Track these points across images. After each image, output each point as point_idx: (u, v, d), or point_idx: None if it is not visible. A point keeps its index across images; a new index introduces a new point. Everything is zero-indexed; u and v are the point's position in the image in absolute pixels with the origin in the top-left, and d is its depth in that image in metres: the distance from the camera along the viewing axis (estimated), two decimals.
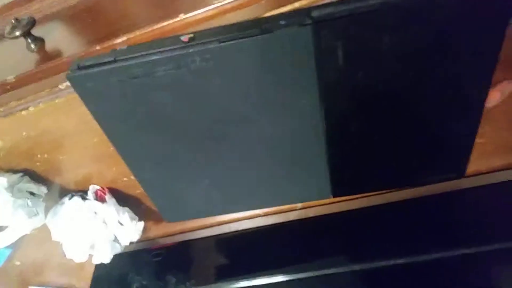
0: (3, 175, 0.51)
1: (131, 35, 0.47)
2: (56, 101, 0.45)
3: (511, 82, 0.44)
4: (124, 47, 0.41)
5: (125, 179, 0.56)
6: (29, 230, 0.53)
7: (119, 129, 0.43)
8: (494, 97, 0.43)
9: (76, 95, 0.45)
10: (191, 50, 0.36)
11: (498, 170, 0.54)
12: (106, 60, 0.38)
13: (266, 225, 0.60)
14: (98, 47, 0.49)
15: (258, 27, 0.36)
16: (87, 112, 0.46)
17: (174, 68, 0.37)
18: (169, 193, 0.51)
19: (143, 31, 0.47)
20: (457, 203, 0.55)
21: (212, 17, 0.44)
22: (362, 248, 0.56)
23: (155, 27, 0.47)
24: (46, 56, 0.56)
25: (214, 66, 0.37)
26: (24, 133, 0.49)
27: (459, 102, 0.41)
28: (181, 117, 0.42)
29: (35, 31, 0.55)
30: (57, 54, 0.56)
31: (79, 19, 0.63)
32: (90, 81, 0.38)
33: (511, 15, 0.36)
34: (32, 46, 0.58)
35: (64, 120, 0.48)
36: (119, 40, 0.48)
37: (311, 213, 0.58)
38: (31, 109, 0.46)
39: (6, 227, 0.53)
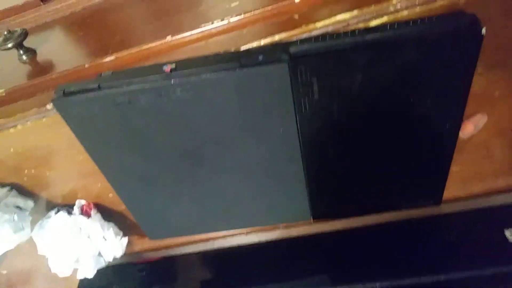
0: None
1: (119, 55, 0.49)
2: (43, 120, 0.46)
3: (484, 115, 0.45)
4: (109, 72, 0.42)
5: (110, 195, 0.57)
6: (14, 245, 0.54)
7: (102, 150, 0.44)
8: (468, 130, 0.45)
9: None
10: (172, 82, 0.37)
11: (475, 197, 0.55)
12: (91, 87, 0.39)
13: (250, 243, 0.61)
14: (86, 65, 0.50)
15: (237, 60, 0.37)
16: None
17: (156, 97, 0.38)
18: (151, 212, 0.52)
19: (131, 51, 0.48)
20: (435, 227, 0.56)
21: (197, 40, 0.46)
22: (343, 269, 0.57)
23: (143, 47, 0.48)
24: (37, 69, 0.57)
25: (194, 96, 0.38)
26: (11, 149, 0.50)
27: (432, 134, 0.42)
28: (162, 140, 0.43)
29: (28, 41, 0.56)
30: (47, 67, 0.57)
31: (70, 31, 0.64)
32: (75, 107, 0.40)
33: (478, 51, 0.37)
34: (24, 57, 0.59)
35: (51, 138, 0.49)
36: (107, 59, 0.49)
37: (294, 232, 0.59)
38: (19, 127, 0.47)
39: None
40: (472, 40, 0.36)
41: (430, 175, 0.46)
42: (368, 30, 0.37)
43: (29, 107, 0.47)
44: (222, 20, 0.44)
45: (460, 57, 0.36)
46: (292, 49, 0.37)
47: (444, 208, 0.55)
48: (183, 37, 0.46)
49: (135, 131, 0.41)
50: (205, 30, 0.45)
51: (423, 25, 0.36)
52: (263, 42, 0.40)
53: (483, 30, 0.34)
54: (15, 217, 0.52)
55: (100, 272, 0.58)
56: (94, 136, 0.42)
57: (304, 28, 0.39)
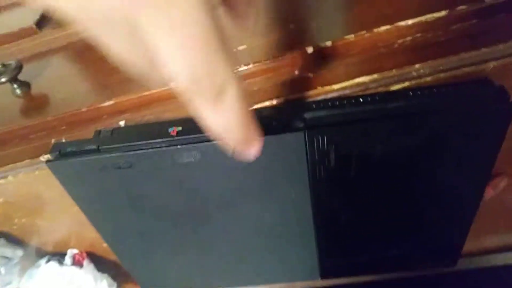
0: None
1: (118, 100, 0.46)
2: (36, 172, 0.43)
3: (504, 178, 0.43)
4: (109, 130, 0.39)
5: (104, 244, 0.54)
6: None
7: (98, 209, 0.41)
8: (487, 193, 0.43)
9: None
10: (178, 147, 0.34)
11: (489, 253, 0.53)
12: (89, 147, 0.36)
13: None
14: (84, 109, 0.47)
15: None
16: None
17: (160, 161, 0.35)
18: (146, 265, 0.49)
19: (130, 96, 0.46)
20: (449, 284, 0.53)
21: None
22: None
23: (145, 93, 0.45)
24: (32, 104, 0.54)
25: (201, 161, 0.36)
26: (1, 199, 0.47)
27: (454, 202, 0.40)
28: (164, 202, 0.40)
29: (22, 71, 0.53)
30: (42, 104, 0.54)
31: (67, 64, 0.62)
32: (70, 168, 0.37)
33: (508, 122, 0.35)
34: (18, 91, 0.56)
35: (44, 190, 0.46)
36: (106, 103, 0.46)
37: (298, 286, 0.57)
38: (10, 178, 0.44)
39: None
40: (501, 111, 0.33)
41: (448, 239, 0.44)
42: (389, 97, 0.35)
43: (22, 157, 0.44)
44: None
45: (487, 128, 0.34)
46: (308, 116, 0.34)
47: (459, 265, 0.52)
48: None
49: (135, 193, 0.39)
50: None
51: (448, 94, 0.34)
52: (274, 102, 0.38)
53: None
54: (2, 270, 0.49)
55: None
56: (91, 197, 0.40)
57: (319, 89, 0.37)
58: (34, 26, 0.65)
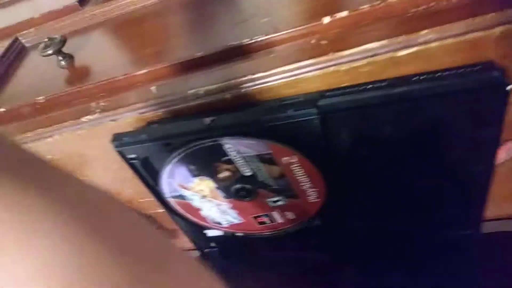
0: None
1: (152, 68, 0.50)
2: (79, 132, 0.49)
3: None
4: (156, 121, 0.46)
5: (140, 200, 0.59)
6: None
7: None
8: (500, 157, 0.44)
9: (96, 128, 0.49)
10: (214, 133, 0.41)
11: (501, 219, 0.54)
12: (141, 138, 0.44)
13: None
14: (120, 77, 0.52)
15: (267, 115, 0.40)
16: (106, 143, 0.50)
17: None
18: None
19: (164, 64, 0.49)
20: (472, 246, 0.55)
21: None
22: None
23: (176, 62, 0.49)
24: (75, 74, 0.60)
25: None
26: (49, 156, 0.53)
27: (465, 175, 0.43)
28: None
29: (66, 46, 0.58)
30: (84, 74, 0.59)
31: (106, 37, 0.66)
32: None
33: (504, 107, 0.36)
34: (62, 63, 0.62)
35: (85, 148, 0.51)
36: (142, 71, 0.51)
37: None
38: (56, 137, 0.50)
39: None
40: (498, 96, 0.35)
41: (468, 205, 0.47)
42: (396, 82, 0.37)
43: (65, 118, 0.49)
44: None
45: (486, 111, 0.36)
46: (321, 103, 0.38)
47: (483, 229, 0.54)
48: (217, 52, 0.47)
49: None
50: (234, 48, 0.46)
51: (450, 79, 0.36)
52: (291, 66, 0.41)
53: (509, 87, 0.34)
54: None
55: None
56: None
57: (331, 56, 0.39)
58: (77, 4, 0.71)
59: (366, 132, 0.41)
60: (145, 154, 0.45)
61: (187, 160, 0.45)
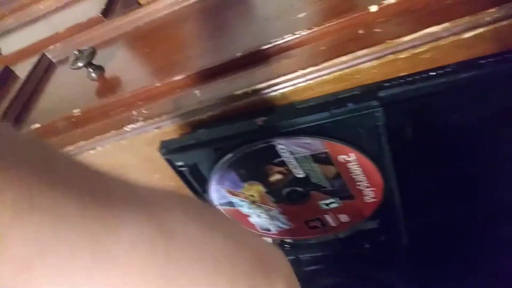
0: None
1: (189, 73, 0.49)
2: (122, 142, 0.47)
3: None
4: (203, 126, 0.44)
5: None
6: None
7: None
8: None
9: (140, 137, 0.47)
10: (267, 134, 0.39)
11: None
12: (190, 143, 0.42)
13: None
14: (158, 84, 0.50)
15: (327, 110, 0.37)
16: (150, 152, 0.48)
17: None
18: None
19: (205, 67, 0.48)
20: None
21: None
22: None
23: (214, 65, 0.47)
24: (107, 86, 0.59)
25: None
26: None
27: None
28: None
29: (95, 58, 0.57)
30: (117, 84, 0.58)
31: (136, 47, 0.65)
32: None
33: None
34: (93, 75, 0.61)
35: (128, 158, 0.50)
36: (177, 77, 0.49)
37: None
38: (98, 148, 0.48)
39: None
40: None
41: None
42: (461, 67, 0.35)
43: (108, 129, 0.48)
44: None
45: None
46: (382, 94, 0.36)
47: None
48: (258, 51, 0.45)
49: None
50: (276, 45, 0.44)
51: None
52: (344, 58, 0.39)
53: None
54: None
55: None
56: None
57: (388, 43, 0.37)
58: (100, 16, 0.70)
59: (429, 122, 0.38)
60: (193, 161, 0.44)
61: (237, 165, 0.43)
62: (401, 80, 0.37)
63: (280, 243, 0.55)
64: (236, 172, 0.44)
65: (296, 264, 0.56)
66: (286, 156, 0.42)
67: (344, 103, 0.37)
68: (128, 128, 0.47)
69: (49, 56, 0.74)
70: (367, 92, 0.37)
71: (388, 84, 0.37)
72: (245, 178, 0.45)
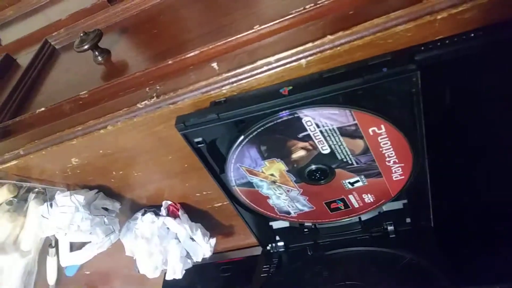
0: (79, 192, 0.51)
1: (203, 49, 0.46)
2: (135, 120, 0.45)
3: None
4: (222, 100, 0.41)
5: (197, 194, 0.55)
6: (106, 247, 0.53)
7: None
8: None
9: (153, 114, 0.44)
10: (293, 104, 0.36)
11: None
12: (209, 118, 0.39)
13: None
14: (170, 61, 0.48)
15: (360, 76, 0.34)
16: (164, 130, 0.46)
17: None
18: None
19: (216, 43, 0.45)
20: None
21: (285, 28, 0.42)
22: None
23: (230, 39, 0.45)
24: (114, 68, 0.56)
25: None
26: (101, 151, 0.49)
27: None
28: None
29: (100, 42, 0.55)
30: (124, 67, 0.55)
31: (142, 30, 0.63)
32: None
33: None
34: (99, 58, 0.58)
35: (140, 138, 0.47)
36: (191, 54, 0.46)
37: None
38: (109, 127, 0.46)
39: (84, 243, 0.53)
40: None
41: None
42: (502, 28, 0.33)
43: (120, 107, 0.45)
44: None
45: None
46: (419, 57, 0.34)
47: None
48: (271, 25, 0.43)
49: None
50: (294, 16, 0.42)
51: None
52: (374, 22, 0.36)
53: None
54: (105, 220, 0.52)
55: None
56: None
57: (425, 3, 0.35)
58: (104, 0, 0.67)
59: (468, 90, 0.36)
60: (212, 137, 0.41)
61: (259, 140, 0.41)
62: (438, 43, 0.35)
63: (298, 227, 0.53)
64: (257, 148, 0.42)
65: (315, 249, 0.54)
66: (312, 129, 0.39)
67: (379, 68, 0.34)
68: (141, 105, 0.44)
69: (52, 42, 0.71)
70: (402, 56, 0.35)
71: (423, 48, 0.35)
72: (266, 156, 0.43)
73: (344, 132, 0.39)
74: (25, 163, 0.51)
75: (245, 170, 0.45)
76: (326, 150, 0.42)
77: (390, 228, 0.51)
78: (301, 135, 0.40)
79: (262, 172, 0.45)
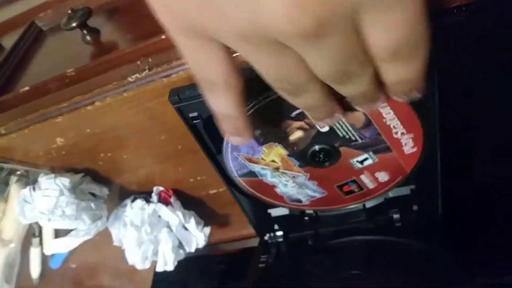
0: (65, 175, 0.48)
1: None
2: (125, 94, 0.41)
3: None
4: None
5: (191, 179, 0.52)
6: (92, 234, 0.50)
7: None
8: None
9: (145, 88, 0.41)
10: None
11: None
12: None
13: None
14: (163, 36, 0.44)
15: None
16: (156, 107, 0.43)
17: None
18: None
19: None
20: None
21: None
22: None
23: None
24: (103, 48, 0.53)
25: None
26: (88, 130, 0.46)
27: None
28: None
29: (90, 21, 0.52)
30: (114, 46, 0.52)
31: (134, 9, 0.60)
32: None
33: None
34: (88, 37, 0.55)
35: (131, 115, 0.44)
36: None
37: None
38: (97, 103, 0.42)
39: (69, 230, 0.50)
40: None
41: None
42: None
43: (108, 81, 0.42)
44: None
45: None
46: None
47: None
48: None
49: None
50: None
51: None
52: None
53: None
54: (92, 205, 0.48)
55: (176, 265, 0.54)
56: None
57: None
58: None
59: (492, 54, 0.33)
60: (209, 112, 0.38)
61: (253, 123, 0.38)
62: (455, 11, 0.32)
63: (299, 214, 0.50)
64: None
65: (316, 239, 0.51)
66: None
67: None
68: (131, 78, 0.41)
69: (39, 24, 0.68)
70: None
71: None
72: (262, 140, 0.40)
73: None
74: (6, 143, 0.47)
75: (244, 158, 0.41)
76: (325, 128, 0.39)
77: (396, 216, 0.48)
78: (294, 113, 0.37)
79: (262, 159, 0.41)
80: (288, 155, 0.41)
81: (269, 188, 0.45)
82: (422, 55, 0.22)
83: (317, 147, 0.41)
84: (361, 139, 0.39)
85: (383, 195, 0.46)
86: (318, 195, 0.45)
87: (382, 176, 0.43)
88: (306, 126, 0.39)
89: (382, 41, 0.20)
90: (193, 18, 0.21)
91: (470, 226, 0.48)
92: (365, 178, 0.43)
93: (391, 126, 0.38)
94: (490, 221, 0.46)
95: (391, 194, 0.46)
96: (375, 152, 0.40)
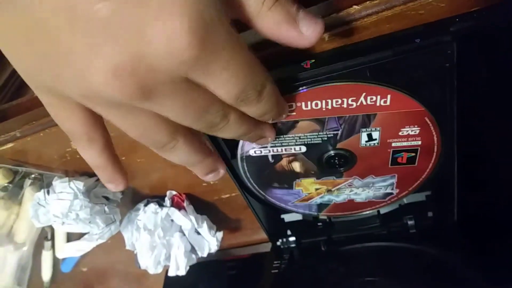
0: (79, 179, 0.48)
1: None
2: None
3: None
4: None
5: (204, 184, 0.52)
6: (106, 238, 0.50)
7: None
8: None
9: None
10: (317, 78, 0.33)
11: None
12: None
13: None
14: None
15: (389, 48, 0.31)
16: None
17: None
18: None
19: None
20: None
21: None
22: None
23: None
24: None
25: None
26: None
27: None
28: None
29: None
30: None
31: None
32: None
33: None
34: None
35: None
36: None
37: None
38: None
39: (81, 234, 0.50)
40: None
41: None
42: None
43: None
44: None
45: None
46: (454, 28, 0.30)
47: None
48: None
49: None
50: None
51: None
52: None
53: None
54: (106, 208, 0.48)
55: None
56: None
57: None
58: None
59: (506, 63, 0.33)
60: None
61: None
62: (475, 15, 0.32)
63: (312, 220, 0.50)
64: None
65: (329, 245, 0.51)
66: None
67: (411, 39, 0.31)
68: None
69: None
70: (435, 28, 0.32)
71: (459, 19, 0.32)
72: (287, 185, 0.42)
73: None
74: (21, 146, 0.47)
75: (299, 202, 0.44)
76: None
77: (411, 222, 0.48)
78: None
79: (309, 193, 0.43)
80: (318, 178, 0.42)
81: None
82: (266, 93, 0.23)
83: (333, 152, 0.41)
84: None
85: (398, 202, 0.46)
86: (392, 180, 0.43)
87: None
88: (292, 155, 0.39)
89: (224, 94, 0.21)
90: (44, 79, 0.21)
91: (486, 233, 0.47)
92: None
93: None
94: (507, 228, 0.46)
95: (406, 200, 0.46)
96: None
